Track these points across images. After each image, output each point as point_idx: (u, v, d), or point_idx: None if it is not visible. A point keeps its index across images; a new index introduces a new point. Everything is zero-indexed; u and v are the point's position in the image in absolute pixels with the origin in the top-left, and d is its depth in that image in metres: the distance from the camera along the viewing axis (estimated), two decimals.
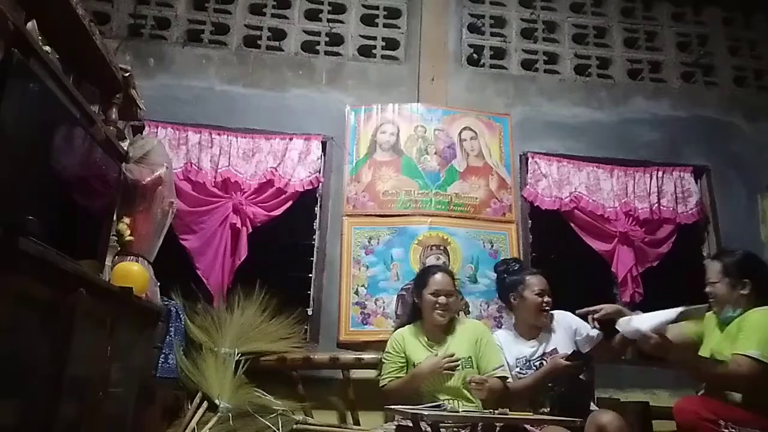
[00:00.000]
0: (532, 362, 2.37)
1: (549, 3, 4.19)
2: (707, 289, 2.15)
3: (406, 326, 2.45)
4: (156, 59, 3.66)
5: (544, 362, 2.34)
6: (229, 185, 3.40)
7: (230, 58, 3.74)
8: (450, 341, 2.35)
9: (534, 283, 2.42)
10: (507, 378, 2.29)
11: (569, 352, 2.28)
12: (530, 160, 3.69)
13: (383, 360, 2.40)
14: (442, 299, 2.33)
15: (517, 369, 2.36)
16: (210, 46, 3.78)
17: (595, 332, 2.37)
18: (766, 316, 1.95)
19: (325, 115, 3.64)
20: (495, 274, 2.73)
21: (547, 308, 2.41)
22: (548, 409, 2.24)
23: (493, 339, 2.41)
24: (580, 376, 2.26)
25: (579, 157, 3.73)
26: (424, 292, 2.36)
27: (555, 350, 2.35)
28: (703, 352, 2.12)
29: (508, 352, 2.41)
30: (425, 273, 2.48)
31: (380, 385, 2.35)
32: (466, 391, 2.23)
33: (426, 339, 2.37)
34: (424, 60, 3.84)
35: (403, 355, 2.34)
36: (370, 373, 2.96)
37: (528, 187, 3.63)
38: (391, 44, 3.94)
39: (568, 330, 2.42)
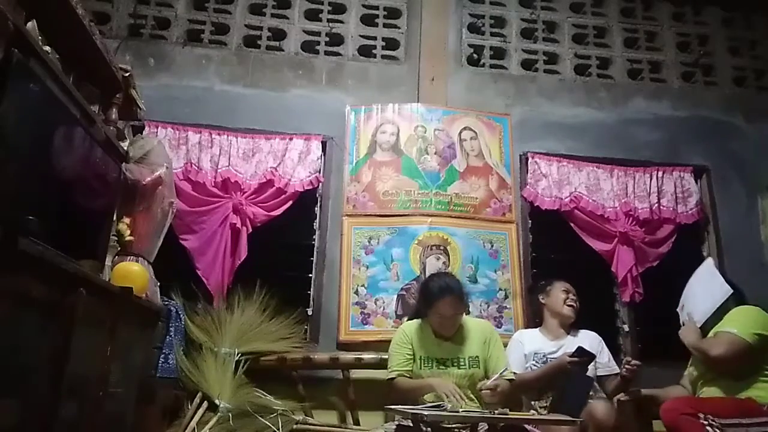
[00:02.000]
0: (549, 358, 2.51)
1: (549, 3, 4.19)
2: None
3: (414, 320, 2.43)
4: (156, 59, 3.66)
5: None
6: (229, 185, 3.40)
7: (230, 58, 3.74)
8: (458, 338, 2.34)
9: (559, 285, 2.70)
10: (513, 379, 2.32)
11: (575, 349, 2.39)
12: (530, 160, 3.69)
13: (391, 352, 2.38)
14: (447, 322, 2.31)
15: (533, 362, 2.50)
16: (210, 46, 3.78)
17: (614, 366, 2.55)
18: (744, 309, 2.25)
19: (325, 115, 3.64)
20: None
21: (572, 305, 2.62)
22: (551, 398, 2.38)
23: (500, 339, 2.42)
24: (587, 373, 2.37)
25: (579, 157, 3.73)
26: (430, 312, 2.33)
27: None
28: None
29: (529, 346, 2.57)
30: (431, 296, 2.32)
31: (387, 378, 2.32)
32: (469, 390, 2.22)
33: (434, 335, 2.35)
34: (424, 60, 3.84)
35: (410, 347, 2.33)
36: (370, 373, 2.97)
37: (528, 187, 3.63)
38: (391, 44, 3.94)
39: (592, 346, 2.53)
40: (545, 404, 2.41)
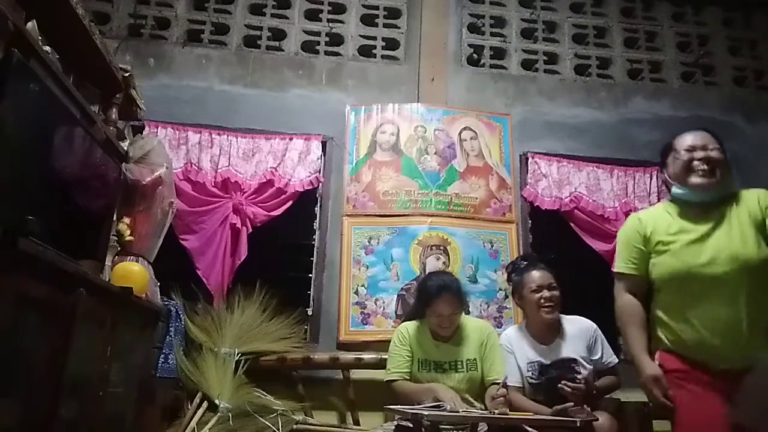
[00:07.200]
0: (548, 367, 2.21)
1: (549, 3, 4.19)
2: None
3: (413, 321, 2.39)
4: (156, 59, 3.66)
5: (555, 370, 2.19)
6: (229, 185, 3.40)
7: (230, 58, 3.74)
8: (456, 340, 2.32)
9: (532, 279, 2.28)
10: (509, 386, 2.19)
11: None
12: (530, 160, 3.69)
13: (390, 353, 2.35)
14: (445, 321, 2.27)
15: (529, 373, 2.23)
16: (210, 46, 3.78)
17: (610, 359, 2.26)
18: None
19: (325, 115, 3.64)
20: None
21: (549, 305, 2.22)
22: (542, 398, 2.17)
23: (498, 342, 2.34)
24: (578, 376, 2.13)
25: (579, 157, 3.73)
26: (428, 311, 2.30)
27: (573, 359, 2.20)
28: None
29: (520, 354, 2.27)
30: (429, 294, 2.28)
31: (386, 379, 2.29)
32: (467, 394, 2.21)
33: (431, 336, 2.33)
34: (424, 60, 3.84)
35: (409, 348, 2.31)
36: (370, 373, 2.96)
37: (528, 187, 3.63)
38: (391, 44, 3.94)
39: (585, 339, 2.27)
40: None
